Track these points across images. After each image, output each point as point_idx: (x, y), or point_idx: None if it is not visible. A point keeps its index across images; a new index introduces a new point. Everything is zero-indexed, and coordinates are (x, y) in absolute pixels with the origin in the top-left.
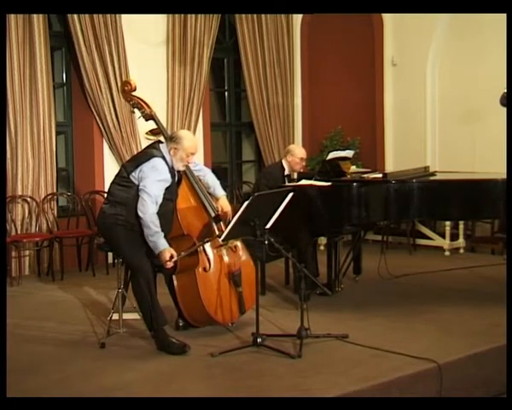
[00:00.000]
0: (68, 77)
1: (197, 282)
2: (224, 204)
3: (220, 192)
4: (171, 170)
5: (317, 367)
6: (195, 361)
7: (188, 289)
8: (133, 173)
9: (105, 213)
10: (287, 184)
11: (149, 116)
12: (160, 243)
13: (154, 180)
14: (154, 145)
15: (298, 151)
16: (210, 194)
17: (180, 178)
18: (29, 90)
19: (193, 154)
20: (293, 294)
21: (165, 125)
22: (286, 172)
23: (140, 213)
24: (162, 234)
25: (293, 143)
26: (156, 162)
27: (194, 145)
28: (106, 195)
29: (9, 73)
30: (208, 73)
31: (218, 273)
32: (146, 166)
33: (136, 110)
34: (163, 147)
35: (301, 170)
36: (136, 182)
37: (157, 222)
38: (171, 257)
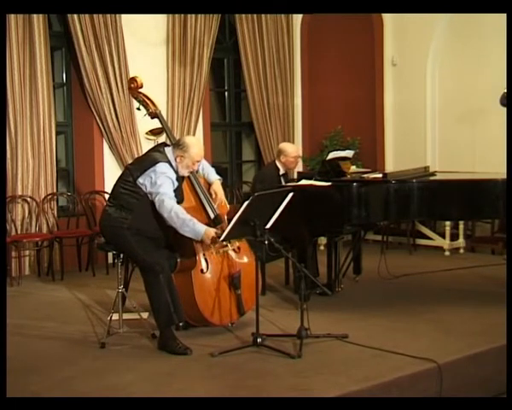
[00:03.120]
0: (68, 77)
1: (193, 283)
2: (216, 188)
3: (214, 177)
4: (177, 174)
5: (317, 367)
6: (195, 361)
7: (184, 289)
8: (140, 179)
9: (110, 215)
10: (283, 183)
11: (154, 114)
12: (197, 227)
13: (162, 182)
14: (159, 149)
15: (291, 150)
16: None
17: (182, 178)
18: (29, 90)
19: (199, 161)
20: (293, 294)
21: None
22: (281, 172)
23: (164, 215)
24: (195, 220)
25: (293, 142)
26: (162, 167)
27: (200, 153)
28: (109, 196)
29: (9, 73)
30: (208, 73)
31: (217, 275)
32: (152, 172)
33: (141, 107)
34: (168, 151)
35: (296, 167)
36: (143, 188)
37: (181, 211)
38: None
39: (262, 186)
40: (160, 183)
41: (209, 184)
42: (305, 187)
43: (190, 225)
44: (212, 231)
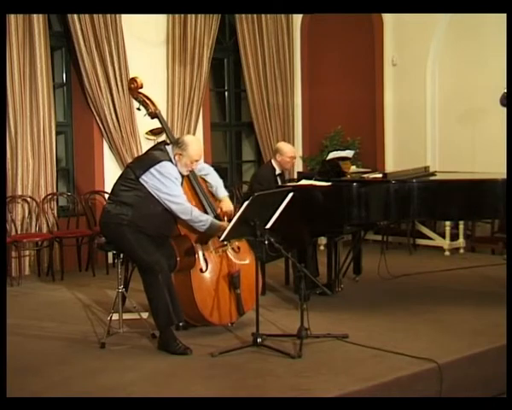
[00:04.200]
0: (68, 77)
1: (192, 283)
2: (225, 205)
3: (222, 193)
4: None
5: (317, 367)
6: (195, 361)
7: (183, 289)
8: (143, 177)
9: (109, 212)
10: (280, 183)
11: (154, 115)
12: (215, 224)
13: (171, 184)
14: (160, 147)
15: (287, 150)
16: (212, 194)
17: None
18: (29, 90)
19: (197, 161)
20: (293, 294)
21: None
22: (277, 172)
23: (185, 218)
24: (211, 217)
25: (293, 143)
26: (166, 166)
27: (199, 152)
28: (109, 194)
29: (9, 73)
30: (208, 73)
31: (216, 275)
32: (157, 172)
33: (141, 108)
34: (169, 149)
35: (290, 168)
36: (146, 185)
37: (199, 212)
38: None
39: (260, 187)
40: (172, 186)
41: (218, 200)
42: (305, 187)
43: (208, 224)
44: (225, 225)
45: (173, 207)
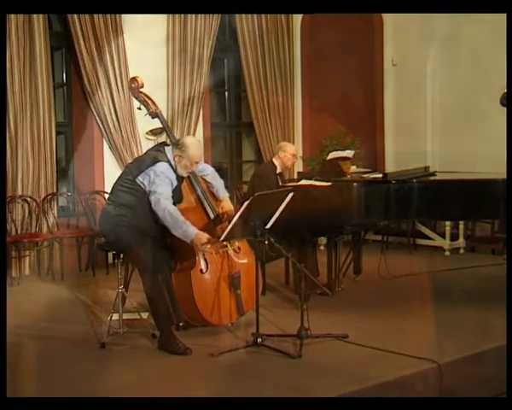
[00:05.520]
0: (68, 77)
1: (192, 283)
2: (226, 205)
3: (223, 194)
4: (176, 174)
5: (317, 367)
6: (195, 361)
7: (183, 289)
8: (139, 177)
9: (109, 213)
10: (280, 183)
11: (155, 114)
12: (190, 230)
13: (159, 180)
14: (159, 148)
15: (289, 147)
16: (213, 195)
17: (182, 178)
18: (29, 90)
19: (197, 162)
20: (293, 294)
21: None
22: (278, 171)
23: (159, 213)
24: (188, 222)
25: (293, 143)
26: (161, 167)
27: (199, 154)
28: (108, 195)
29: (9, 73)
30: (208, 73)
31: (216, 275)
32: (152, 171)
33: (142, 107)
34: (168, 150)
35: (291, 167)
36: (142, 186)
37: (175, 212)
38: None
39: (260, 182)
40: (158, 182)
41: (218, 201)
42: (305, 187)
43: (183, 227)
44: (203, 237)
45: (152, 199)
